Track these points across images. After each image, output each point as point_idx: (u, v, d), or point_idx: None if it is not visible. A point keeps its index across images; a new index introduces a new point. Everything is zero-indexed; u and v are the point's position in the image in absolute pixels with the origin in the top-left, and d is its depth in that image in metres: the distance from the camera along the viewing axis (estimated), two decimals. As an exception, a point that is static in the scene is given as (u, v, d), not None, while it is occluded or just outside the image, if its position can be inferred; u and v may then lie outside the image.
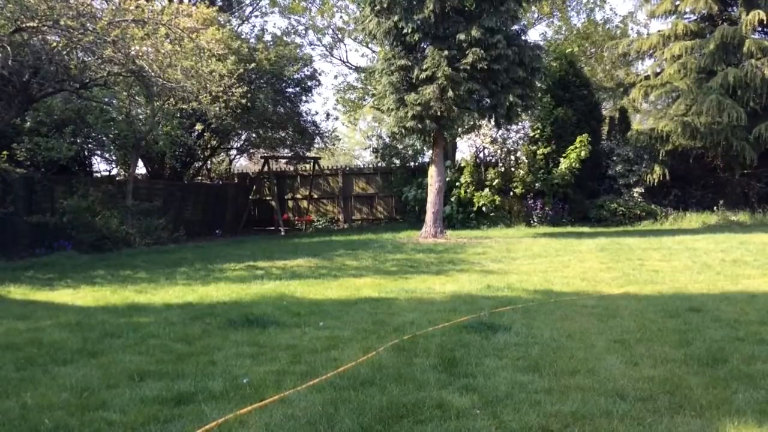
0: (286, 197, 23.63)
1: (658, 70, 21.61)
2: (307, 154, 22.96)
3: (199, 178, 23.58)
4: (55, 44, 10.90)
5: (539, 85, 17.16)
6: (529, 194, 20.12)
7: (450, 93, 13.69)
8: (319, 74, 21.90)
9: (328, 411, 3.31)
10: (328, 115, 42.81)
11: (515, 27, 14.85)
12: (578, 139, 18.75)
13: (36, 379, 4.01)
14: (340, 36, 27.51)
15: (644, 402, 3.38)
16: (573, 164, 18.77)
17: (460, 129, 18.56)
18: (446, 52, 13.73)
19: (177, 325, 5.60)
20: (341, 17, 26.71)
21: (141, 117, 15.75)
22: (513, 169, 20.63)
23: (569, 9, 27.65)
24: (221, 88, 14.09)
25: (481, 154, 21.82)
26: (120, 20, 11.06)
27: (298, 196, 23.65)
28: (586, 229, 17.41)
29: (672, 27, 20.70)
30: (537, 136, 19.85)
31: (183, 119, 17.35)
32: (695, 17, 21.32)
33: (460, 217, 19.54)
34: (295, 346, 4.77)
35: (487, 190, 19.74)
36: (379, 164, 22.91)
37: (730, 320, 5.35)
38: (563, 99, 20.06)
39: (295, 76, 20.56)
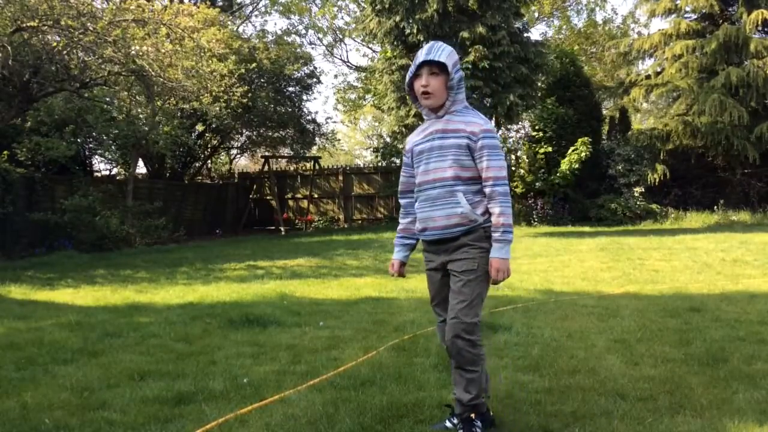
0: (286, 197, 23.60)
1: (659, 70, 21.56)
2: (308, 153, 22.95)
3: (200, 177, 23.58)
4: (55, 44, 10.90)
5: (540, 84, 17.14)
6: (529, 194, 20.09)
7: None
8: (320, 73, 21.94)
9: (329, 411, 3.31)
10: (328, 119, 42.92)
11: (517, 24, 14.84)
12: (579, 140, 18.69)
13: (36, 378, 4.01)
14: (341, 36, 27.54)
15: (644, 402, 3.37)
16: (573, 165, 18.76)
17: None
18: (449, 51, 13.73)
19: (177, 324, 5.60)
20: (342, 17, 26.77)
21: (141, 117, 15.75)
22: (513, 168, 20.62)
23: (569, 9, 27.67)
24: (222, 88, 14.10)
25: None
26: (120, 20, 11.06)
27: (299, 195, 23.62)
28: (586, 229, 17.38)
29: (674, 26, 20.67)
30: (538, 135, 19.83)
31: (183, 119, 17.36)
32: (696, 16, 21.29)
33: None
34: (295, 346, 4.77)
35: (488, 190, 19.71)
36: (380, 164, 22.87)
37: (730, 320, 5.34)
38: (564, 98, 20.03)
39: (296, 75, 20.57)
